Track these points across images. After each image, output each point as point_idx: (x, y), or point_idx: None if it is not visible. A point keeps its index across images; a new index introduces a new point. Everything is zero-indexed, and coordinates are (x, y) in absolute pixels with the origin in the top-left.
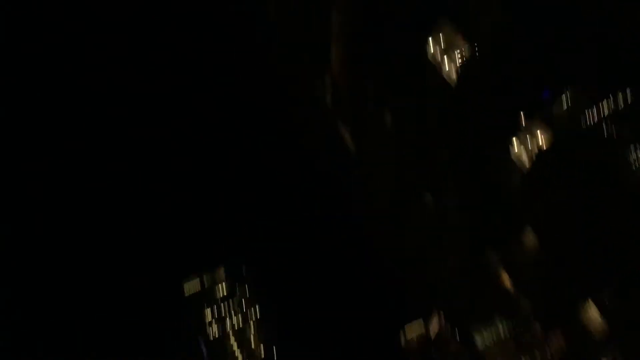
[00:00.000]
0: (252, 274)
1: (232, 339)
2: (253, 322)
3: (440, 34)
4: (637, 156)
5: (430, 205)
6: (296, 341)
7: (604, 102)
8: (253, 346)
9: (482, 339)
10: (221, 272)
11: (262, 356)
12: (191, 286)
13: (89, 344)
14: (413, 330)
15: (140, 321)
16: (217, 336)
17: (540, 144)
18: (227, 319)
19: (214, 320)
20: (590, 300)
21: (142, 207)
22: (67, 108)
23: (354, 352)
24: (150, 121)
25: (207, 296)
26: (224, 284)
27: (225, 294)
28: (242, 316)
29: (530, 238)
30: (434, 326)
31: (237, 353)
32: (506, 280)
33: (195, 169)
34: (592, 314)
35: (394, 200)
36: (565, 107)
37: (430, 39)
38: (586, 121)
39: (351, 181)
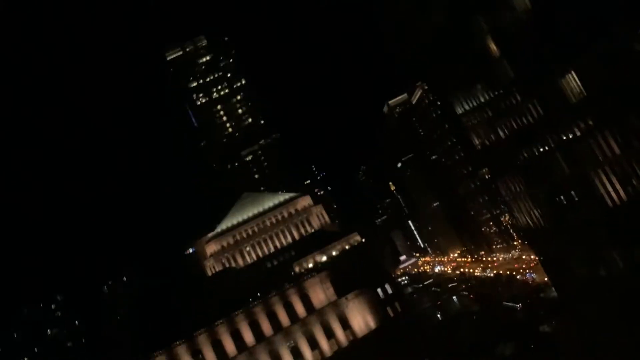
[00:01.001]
0: (235, 44)
1: (219, 105)
2: (238, 89)
3: None
4: None
5: None
6: (281, 109)
7: None
8: (240, 112)
9: (461, 106)
10: (202, 40)
11: (250, 122)
12: (173, 52)
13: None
14: (397, 101)
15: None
16: (203, 102)
17: None
18: (212, 86)
19: (198, 87)
20: (571, 68)
21: None
22: None
23: (340, 120)
24: None
25: (189, 62)
26: (206, 52)
27: (207, 60)
28: (227, 84)
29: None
30: (416, 96)
31: (224, 119)
32: (492, 45)
33: None
34: (571, 81)
35: None
36: None
37: None
38: None
39: None
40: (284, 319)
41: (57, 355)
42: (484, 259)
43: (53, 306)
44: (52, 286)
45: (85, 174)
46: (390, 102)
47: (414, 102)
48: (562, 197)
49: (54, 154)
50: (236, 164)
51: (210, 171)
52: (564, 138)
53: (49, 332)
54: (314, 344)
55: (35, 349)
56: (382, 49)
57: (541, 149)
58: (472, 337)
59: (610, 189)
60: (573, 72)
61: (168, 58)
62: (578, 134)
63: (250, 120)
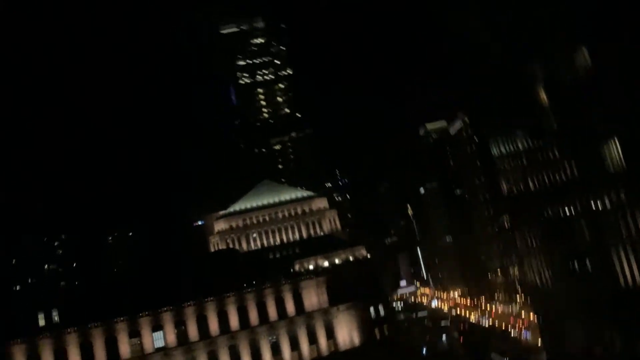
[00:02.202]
0: (290, 32)
1: (260, 89)
2: (283, 78)
3: None
4: None
5: None
6: (319, 107)
7: None
8: (279, 100)
9: (497, 148)
10: (259, 21)
11: (286, 112)
12: (228, 27)
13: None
14: (435, 127)
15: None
16: (246, 82)
17: None
18: (259, 69)
19: (245, 67)
20: (615, 135)
21: None
22: None
23: (374, 131)
24: None
25: (242, 41)
26: (260, 34)
27: (260, 42)
28: (274, 70)
29: (582, 56)
30: (455, 127)
31: (263, 103)
32: (542, 95)
33: None
34: (613, 149)
35: None
36: None
37: None
38: None
39: None
40: (272, 312)
41: (49, 291)
42: (483, 306)
43: (56, 243)
44: (60, 225)
45: (116, 128)
46: (427, 125)
47: (451, 132)
48: (576, 264)
49: (89, 104)
50: (263, 150)
51: (237, 151)
52: (592, 205)
53: (46, 266)
54: (295, 345)
55: (29, 280)
56: (434, 71)
57: (567, 211)
58: None
59: (627, 268)
60: (617, 140)
61: (222, 32)
62: (608, 205)
63: (287, 110)
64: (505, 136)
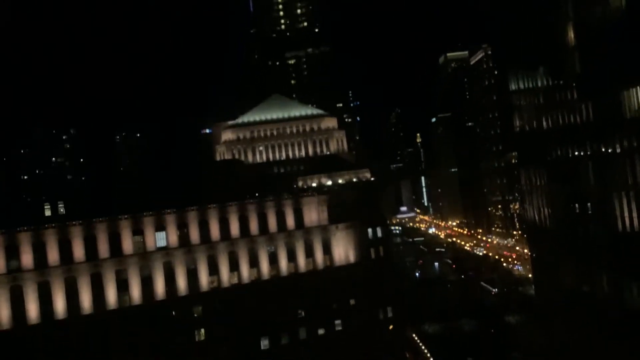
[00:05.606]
0: None
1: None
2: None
3: None
4: None
5: None
6: (339, 24)
7: None
8: (298, 12)
9: (516, 83)
10: None
11: (305, 25)
12: None
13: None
14: (455, 56)
15: None
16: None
17: None
18: None
19: None
20: (638, 83)
21: None
22: None
23: (392, 56)
24: None
25: None
26: None
27: None
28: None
29: None
30: (477, 57)
31: (281, 14)
32: (570, 34)
33: None
34: (633, 96)
35: None
36: None
37: None
38: None
39: None
40: (272, 224)
41: (55, 183)
42: (479, 237)
43: (64, 137)
44: (70, 120)
45: (135, 30)
46: (448, 54)
47: (472, 63)
48: (576, 205)
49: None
50: (277, 63)
51: (249, 61)
52: (602, 150)
53: (53, 159)
54: (292, 257)
55: (37, 171)
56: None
57: (576, 153)
58: (441, 303)
59: (626, 214)
60: (639, 88)
61: None
62: (618, 150)
63: (305, 24)
64: (526, 72)
